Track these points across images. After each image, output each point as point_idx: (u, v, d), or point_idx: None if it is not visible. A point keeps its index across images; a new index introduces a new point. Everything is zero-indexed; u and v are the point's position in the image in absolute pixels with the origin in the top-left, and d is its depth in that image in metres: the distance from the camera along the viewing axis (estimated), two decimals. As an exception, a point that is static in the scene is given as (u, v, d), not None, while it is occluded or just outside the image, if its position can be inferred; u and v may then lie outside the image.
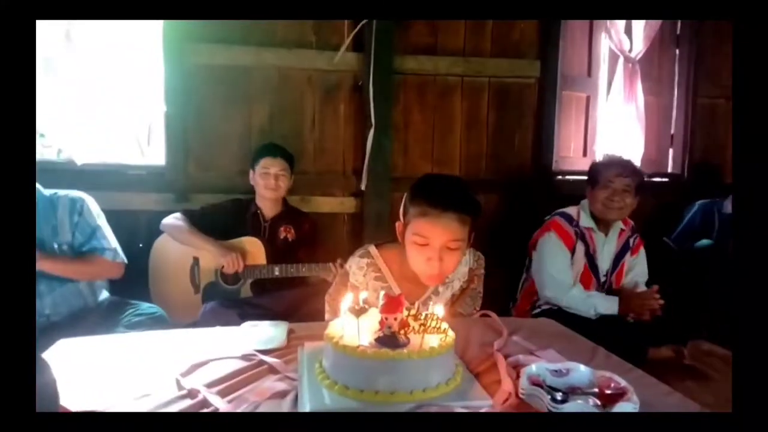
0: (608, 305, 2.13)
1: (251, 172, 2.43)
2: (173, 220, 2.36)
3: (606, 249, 2.28)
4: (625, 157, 2.41)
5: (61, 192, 1.91)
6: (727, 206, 2.73)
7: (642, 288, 2.29)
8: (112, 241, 1.98)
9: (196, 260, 2.36)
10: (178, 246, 2.36)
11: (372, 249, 1.48)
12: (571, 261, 2.22)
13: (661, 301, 2.10)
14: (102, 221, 1.97)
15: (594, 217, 2.25)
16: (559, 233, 2.22)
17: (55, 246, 1.84)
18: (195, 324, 2.05)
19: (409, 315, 0.97)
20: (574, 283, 2.20)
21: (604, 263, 2.28)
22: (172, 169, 2.63)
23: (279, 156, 2.41)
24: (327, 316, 1.56)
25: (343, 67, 2.72)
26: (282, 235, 2.43)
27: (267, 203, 2.43)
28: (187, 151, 2.64)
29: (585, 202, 2.30)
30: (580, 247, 2.23)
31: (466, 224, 1.30)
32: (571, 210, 2.30)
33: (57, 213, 1.86)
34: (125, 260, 2.00)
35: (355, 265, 1.47)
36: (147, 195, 2.59)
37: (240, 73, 2.65)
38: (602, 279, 2.28)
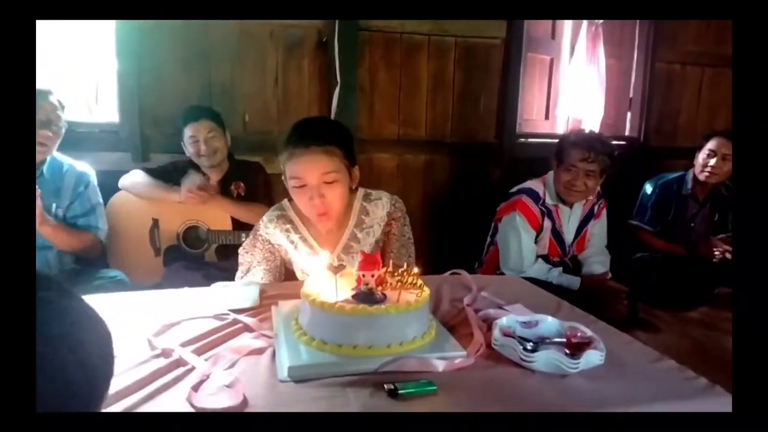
0: (568, 283, 2.16)
1: (183, 145, 2.26)
2: (133, 175, 2.28)
3: (571, 221, 2.29)
4: (594, 133, 2.34)
5: (69, 160, 1.99)
6: (687, 183, 2.70)
7: (605, 270, 2.32)
8: (104, 220, 2.06)
9: (155, 222, 2.28)
10: (135, 207, 2.27)
11: (284, 202, 1.52)
12: (537, 238, 2.21)
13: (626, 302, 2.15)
14: (100, 198, 2.06)
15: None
16: (525, 213, 2.17)
17: (53, 207, 1.90)
18: (158, 286, 2.00)
19: (386, 271, 0.97)
20: (539, 256, 2.21)
21: (569, 235, 2.30)
22: (126, 127, 2.50)
23: (202, 118, 2.23)
24: (240, 268, 1.53)
25: (307, 22, 2.62)
26: (234, 194, 2.33)
27: (212, 169, 2.28)
28: (142, 109, 2.51)
29: (550, 177, 2.24)
30: (547, 224, 2.22)
31: (334, 155, 1.31)
32: (537, 186, 2.24)
33: (63, 180, 1.95)
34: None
35: (267, 217, 1.50)
36: (101, 154, 2.46)
37: (198, 27, 2.51)
38: (567, 249, 2.32)
